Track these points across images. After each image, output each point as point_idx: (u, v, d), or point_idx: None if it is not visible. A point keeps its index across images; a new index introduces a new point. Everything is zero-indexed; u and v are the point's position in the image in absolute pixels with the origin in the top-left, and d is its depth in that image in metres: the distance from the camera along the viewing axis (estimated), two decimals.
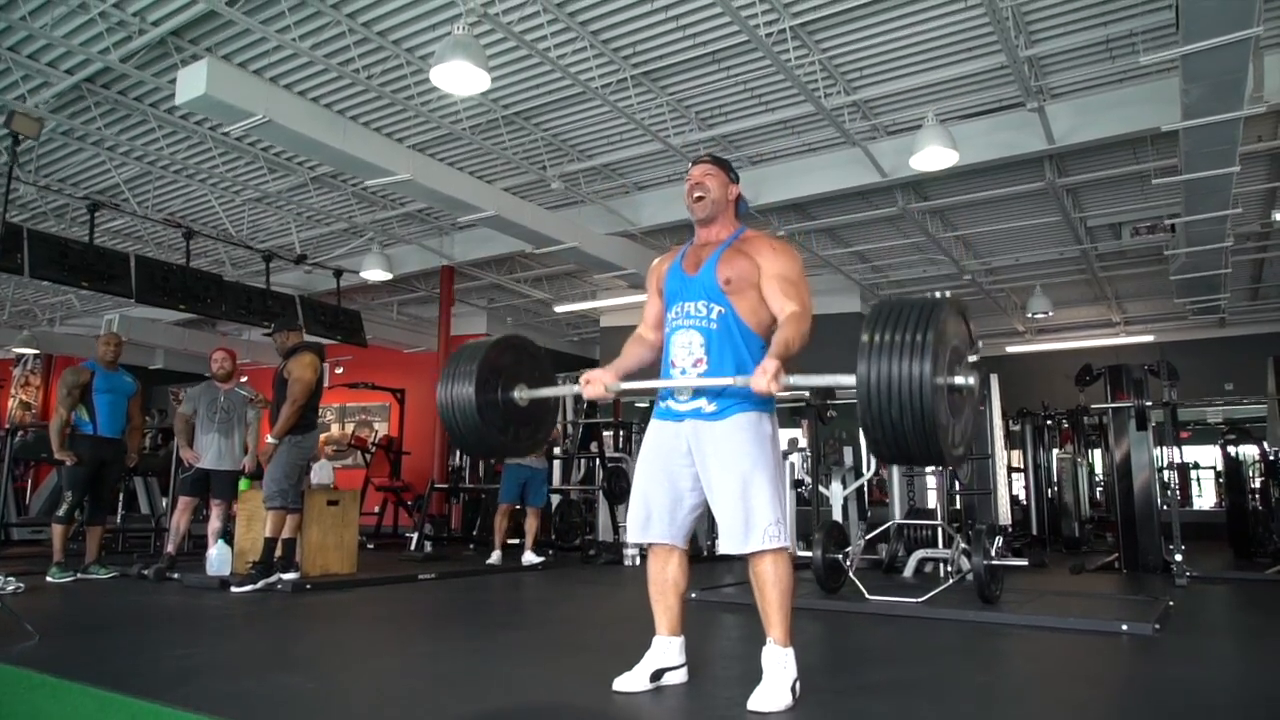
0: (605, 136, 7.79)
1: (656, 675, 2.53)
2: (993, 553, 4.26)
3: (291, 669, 2.95)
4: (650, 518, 2.54)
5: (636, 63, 6.44)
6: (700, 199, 2.61)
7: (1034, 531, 9.64)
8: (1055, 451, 10.29)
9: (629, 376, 2.71)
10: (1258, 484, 8.28)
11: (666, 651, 2.57)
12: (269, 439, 5.16)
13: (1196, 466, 13.76)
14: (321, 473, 5.86)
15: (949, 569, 4.37)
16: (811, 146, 7.92)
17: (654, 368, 2.72)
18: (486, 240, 9.88)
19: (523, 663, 3.10)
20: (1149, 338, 13.58)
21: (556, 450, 9.01)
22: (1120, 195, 9.01)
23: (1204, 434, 13.90)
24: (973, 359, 2.10)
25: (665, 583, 2.57)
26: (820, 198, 8.48)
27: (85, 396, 5.67)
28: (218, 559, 5.50)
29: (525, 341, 2.94)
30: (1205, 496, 14.18)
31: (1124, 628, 3.62)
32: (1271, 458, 7.51)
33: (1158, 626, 3.62)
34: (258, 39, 5.96)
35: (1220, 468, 11.52)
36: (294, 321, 5.67)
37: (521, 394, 2.76)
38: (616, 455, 9.09)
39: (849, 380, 2.13)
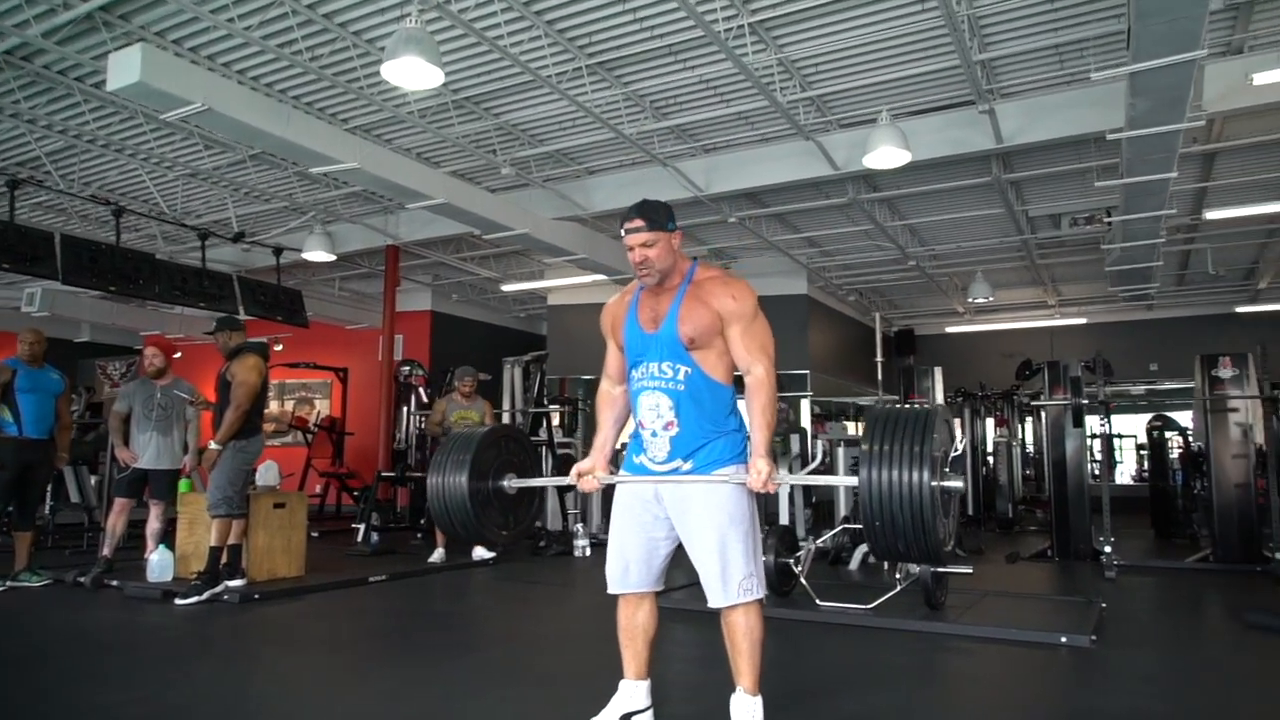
0: (559, 124, 7.65)
1: None
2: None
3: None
4: (628, 569, 2.55)
5: (592, 53, 6.32)
6: (647, 273, 2.47)
7: (969, 511, 9.97)
8: (991, 433, 10.61)
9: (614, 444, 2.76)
10: (1179, 471, 8.68)
11: (634, 695, 2.59)
12: (212, 444, 5.00)
13: (1119, 437, 14.37)
14: (267, 475, 5.72)
15: (898, 575, 4.49)
16: (766, 138, 7.91)
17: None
18: (433, 221, 9.65)
19: (488, 699, 3.10)
20: (1081, 320, 14.04)
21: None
22: (1061, 189, 9.23)
23: (1126, 406, 14.51)
24: (955, 454, 2.19)
25: (635, 629, 2.58)
26: (771, 187, 8.49)
27: (7, 396, 5.41)
28: (159, 565, 5.34)
29: (516, 432, 2.97)
30: (1126, 464, 14.85)
31: (1063, 639, 3.78)
32: (1195, 450, 7.87)
33: (1094, 638, 3.78)
34: (193, 17, 5.67)
35: (1142, 440, 12.08)
36: (236, 321, 5.47)
37: (511, 483, 2.78)
38: (565, 442, 9.07)
39: (848, 481, 2.21)
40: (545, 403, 8.70)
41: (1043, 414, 7.45)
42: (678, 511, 2.48)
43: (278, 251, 10.05)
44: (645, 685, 2.62)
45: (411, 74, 5.05)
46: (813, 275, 12.32)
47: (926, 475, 2.05)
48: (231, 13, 5.50)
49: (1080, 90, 6.74)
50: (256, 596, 4.95)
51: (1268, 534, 6.33)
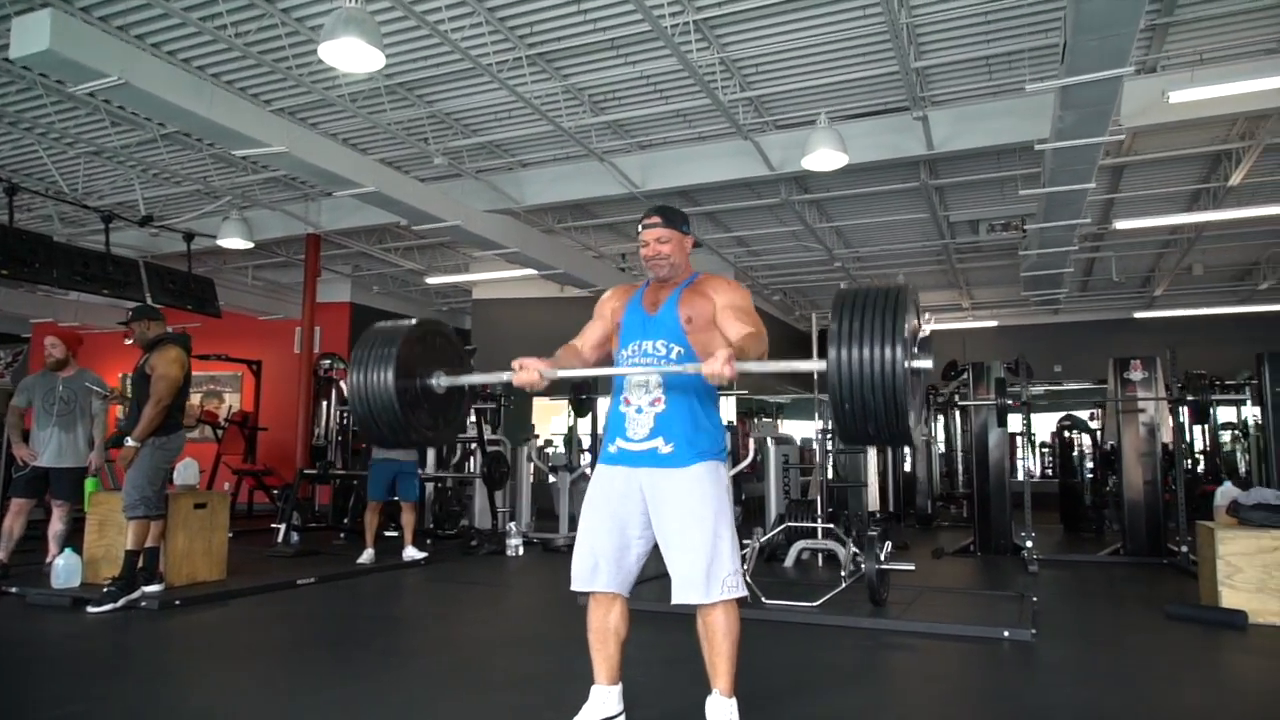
0: (494, 114, 7.48)
1: None
2: (883, 557, 4.46)
3: None
4: (597, 566, 2.49)
5: (533, 44, 6.20)
6: (658, 264, 2.58)
7: (890, 508, 10.24)
8: None
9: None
10: (1090, 471, 9.11)
11: (606, 701, 2.53)
12: (130, 441, 4.68)
13: (1023, 434, 15.00)
14: (186, 473, 5.39)
15: (843, 574, 4.56)
16: (703, 136, 7.92)
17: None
18: (357, 209, 9.32)
19: (440, 710, 2.98)
20: (993, 322, 14.60)
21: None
22: (982, 196, 9.57)
23: (1034, 406, 15.15)
24: (925, 336, 2.18)
25: (607, 631, 2.52)
26: (706, 186, 8.51)
27: None
28: (65, 569, 4.98)
29: (442, 326, 2.82)
30: (1032, 462, 15.49)
31: (1006, 634, 3.89)
32: (1106, 449, 8.26)
33: (1034, 632, 3.91)
34: None
35: (1047, 440, 12.64)
36: (155, 310, 5.14)
37: (440, 381, 2.62)
38: (495, 439, 8.91)
39: (810, 366, 2.19)
40: (482, 399, 8.50)
41: (967, 413, 7.69)
42: (657, 505, 2.44)
43: (189, 237, 9.54)
44: (617, 690, 2.56)
45: (350, 56, 4.84)
46: (740, 274, 12.43)
47: (900, 353, 1.93)
48: None
49: (1007, 101, 6.98)
50: (177, 603, 4.66)
51: (1172, 528, 6.69)
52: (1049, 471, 12.38)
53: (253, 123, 6.10)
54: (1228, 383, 10.25)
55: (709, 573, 2.37)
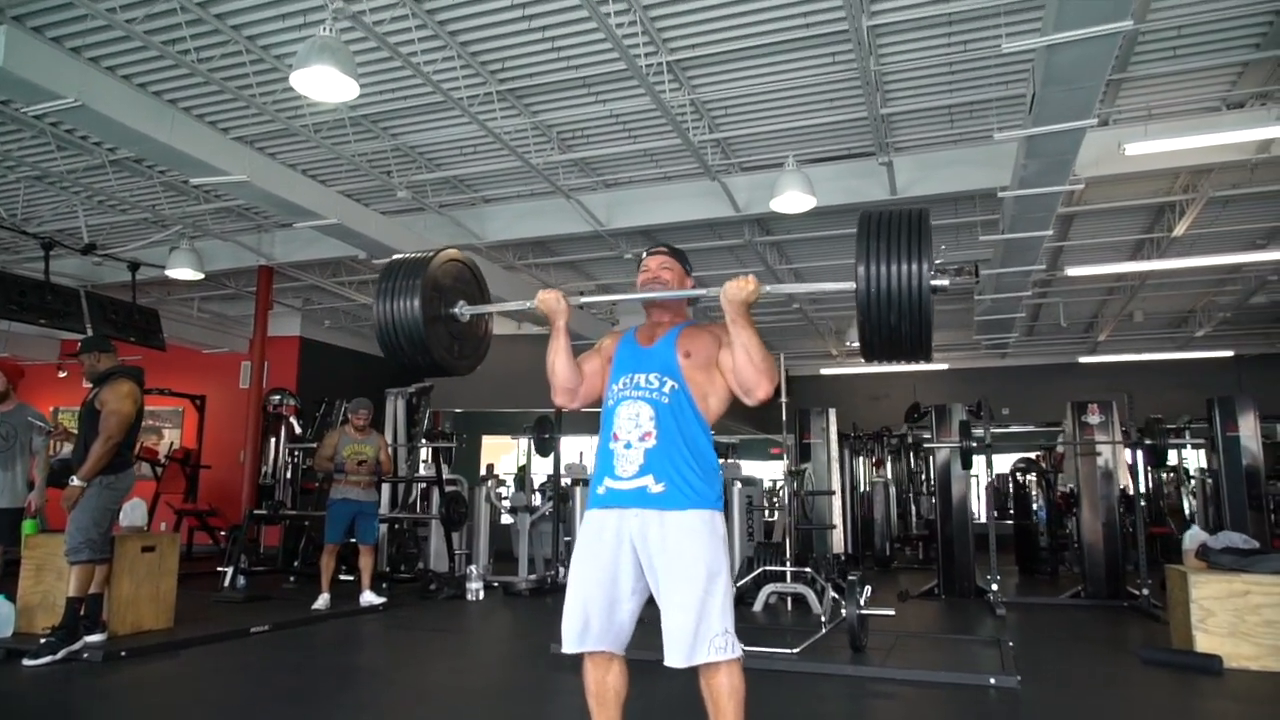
0: (459, 149, 7.41)
1: None
2: (863, 601, 4.41)
3: None
4: (588, 624, 2.33)
5: (504, 79, 6.16)
6: (656, 278, 2.58)
7: (848, 549, 10.25)
8: (869, 474, 10.98)
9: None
10: (1042, 512, 9.25)
11: None
12: (75, 481, 4.41)
13: (975, 477, 15.27)
14: (134, 513, 5.10)
15: (822, 619, 4.49)
16: (668, 176, 7.96)
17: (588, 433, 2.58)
18: (313, 241, 9.11)
19: None
20: (944, 365, 14.85)
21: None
22: (938, 241, 9.74)
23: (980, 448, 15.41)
24: (939, 260, 2.27)
25: (606, 694, 2.38)
26: (671, 226, 8.53)
27: None
28: None
29: (465, 257, 2.83)
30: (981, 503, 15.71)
31: (991, 681, 3.86)
32: (1066, 491, 8.40)
33: (1019, 679, 3.88)
34: (66, 2, 5.10)
35: (994, 482, 12.85)
36: (106, 342, 4.89)
37: (463, 309, 2.68)
38: (452, 478, 8.69)
39: (839, 286, 2.32)
40: (436, 438, 8.30)
41: (923, 455, 7.75)
42: (649, 555, 2.32)
43: (134, 267, 9.22)
44: None
45: (323, 85, 4.74)
46: (699, 314, 12.42)
47: (927, 269, 2.07)
48: (112, 1, 4.99)
49: (966, 149, 7.16)
50: (123, 654, 4.36)
51: (1130, 570, 6.79)
52: (996, 513, 12.54)
53: (214, 150, 5.93)
54: (1168, 426, 10.57)
55: (696, 633, 2.23)
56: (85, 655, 4.28)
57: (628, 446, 2.37)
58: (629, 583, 2.36)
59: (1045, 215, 6.65)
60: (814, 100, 6.50)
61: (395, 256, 2.73)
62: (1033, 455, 10.63)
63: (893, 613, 4.53)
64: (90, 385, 4.73)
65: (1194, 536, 4.71)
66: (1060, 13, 3.89)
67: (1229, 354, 13.55)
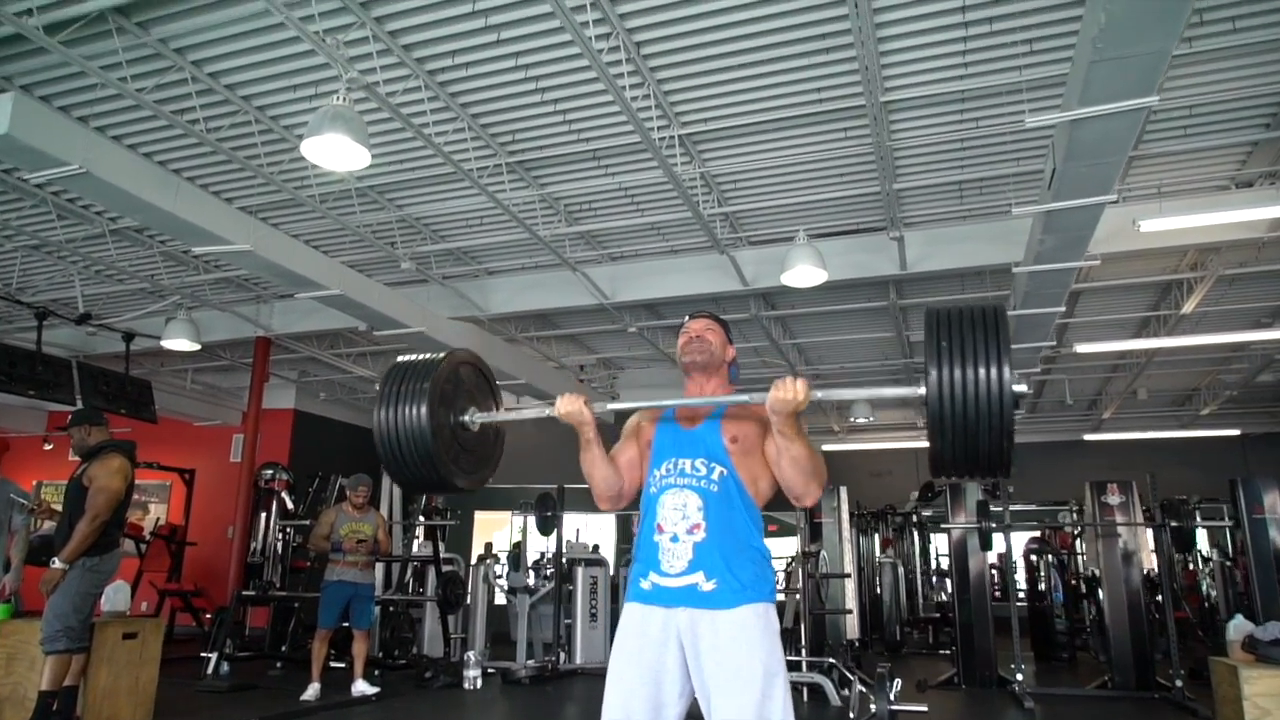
0: (465, 220, 7.36)
1: None
2: (892, 696, 4.14)
3: None
4: None
5: (514, 150, 6.14)
6: (699, 349, 2.37)
7: (857, 634, 9.88)
8: (878, 555, 10.67)
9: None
10: (1055, 594, 8.94)
11: None
12: (56, 563, 4.14)
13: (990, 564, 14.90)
14: (117, 597, 4.81)
15: (851, 715, 4.20)
16: (675, 249, 7.91)
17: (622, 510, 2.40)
18: (312, 312, 8.99)
19: None
20: None
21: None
22: None
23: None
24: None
25: None
26: (676, 300, 8.44)
27: None
28: None
29: (476, 359, 2.57)
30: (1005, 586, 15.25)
31: None
32: (1088, 574, 8.12)
33: None
34: (75, 72, 5.06)
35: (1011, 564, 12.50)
36: (97, 415, 4.68)
37: (474, 417, 2.41)
38: (449, 557, 8.37)
39: (907, 391, 2.06)
40: (432, 515, 8.02)
41: (928, 534, 7.49)
42: (698, 656, 2.11)
43: (129, 337, 9.05)
44: None
45: (335, 154, 4.66)
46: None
47: (1009, 374, 1.85)
48: (124, 71, 4.95)
49: (977, 224, 7.14)
50: None
51: (1158, 658, 6.49)
52: (999, 594, 12.18)
53: (218, 219, 5.83)
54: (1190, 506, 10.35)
55: None
56: None
57: (674, 540, 2.18)
58: (675, 685, 2.14)
59: (1059, 291, 6.58)
60: (824, 175, 6.49)
61: (400, 359, 2.47)
62: (1037, 534, 10.35)
63: (925, 709, 4.25)
64: (79, 459, 4.50)
65: (1239, 627, 4.46)
66: (1086, 87, 3.86)
67: (1235, 433, 13.41)
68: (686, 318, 2.44)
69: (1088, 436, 14.05)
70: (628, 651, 2.18)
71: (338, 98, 4.58)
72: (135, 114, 5.60)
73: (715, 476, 2.20)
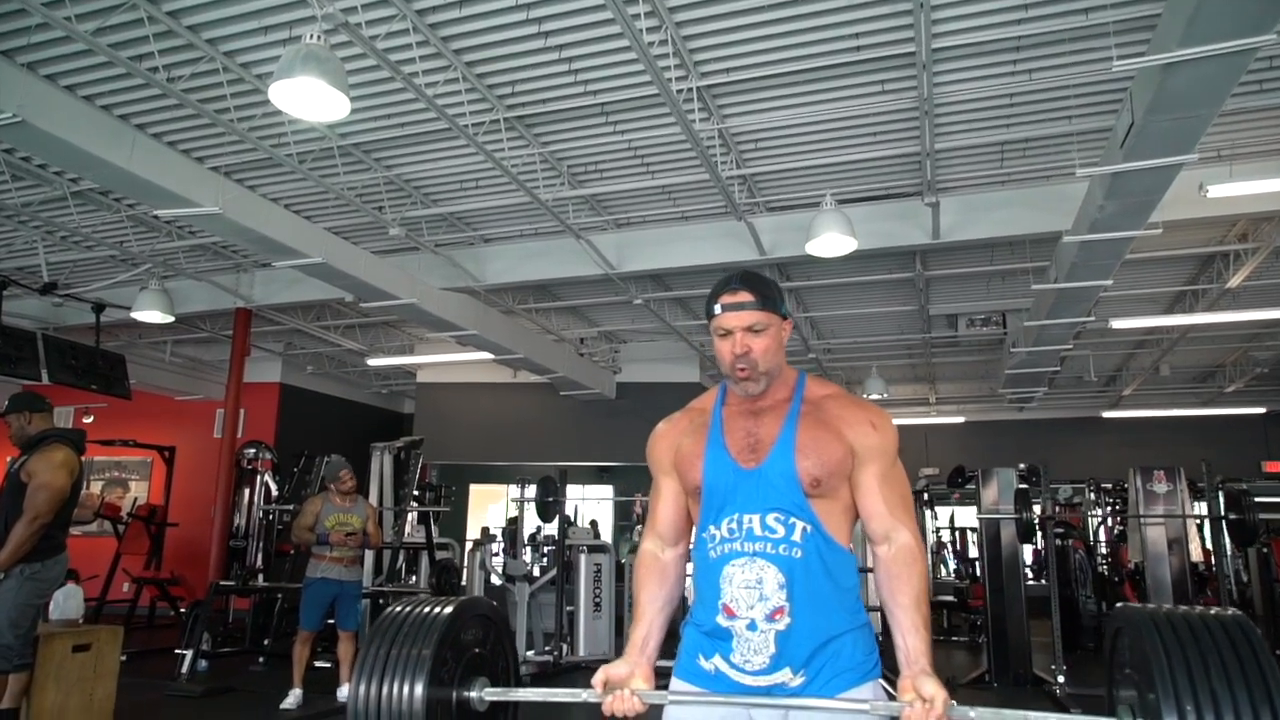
0: (459, 183, 6.75)
1: None
2: None
3: None
4: None
5: (513, 105, 5.53)
6: (747, 374, 1.69)
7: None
8: None
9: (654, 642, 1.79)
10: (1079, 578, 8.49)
11: None
12: None
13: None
14: (68, 604, 4.28)
15: None
16: (686, 215, 7.31)
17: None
18: (295, 283, 8.40)
19: None
20: (959, 419, 14.20)
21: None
22: (964, 290, 9.17)
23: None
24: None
25: None
26: (686, 270, 7.87)
27: None
28: None
29: (492, 609, 1.94)
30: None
31: None
32: (1132, 567, 7.65)
33: None
34: (15, 9, 4.42)
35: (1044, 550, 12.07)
36: (37, 400, 4.10)
37: (482, 694, 1.77)
38: (443, 542, 7.87)
39: None
40: (425, 499, 7.49)
41: (979, 525, 7.01)
42: None
43: (98, 308, 8.46)
44: None
45: (307, 101, 4.06)
46: (705, 363, 11.78)
47: None
48: (69, 9, 4.32)
49: (1017, 190, 6.57)
50: None
51: None
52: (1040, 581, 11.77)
53: (182, 179, 5.22)
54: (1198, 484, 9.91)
55: None
56: None
57: (751, 628, 1.62)
58: None
59: (1110, 263, 6.03)
60: (855, 134, 5.90)
61: (393, 609, 1.83)
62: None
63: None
64: (18, 451, 3.95)
65: None
66: (1190, 25, 3.27)
67: (1259, 411, 12.96)
68: (718, 306, 1.71)
69: (1106, 414, 13.58)
70: None
71: (311, 36, 3.97)
72: (88, 60, 4.96)
73: (798, 536, 1.63)
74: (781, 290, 1.80)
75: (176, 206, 5.29)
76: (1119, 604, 1.57)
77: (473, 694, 1.77)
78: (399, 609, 1.83)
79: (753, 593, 1.62)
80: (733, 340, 1.69)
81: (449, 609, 1.80)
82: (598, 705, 1.67)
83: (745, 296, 1.69)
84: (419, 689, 1.65)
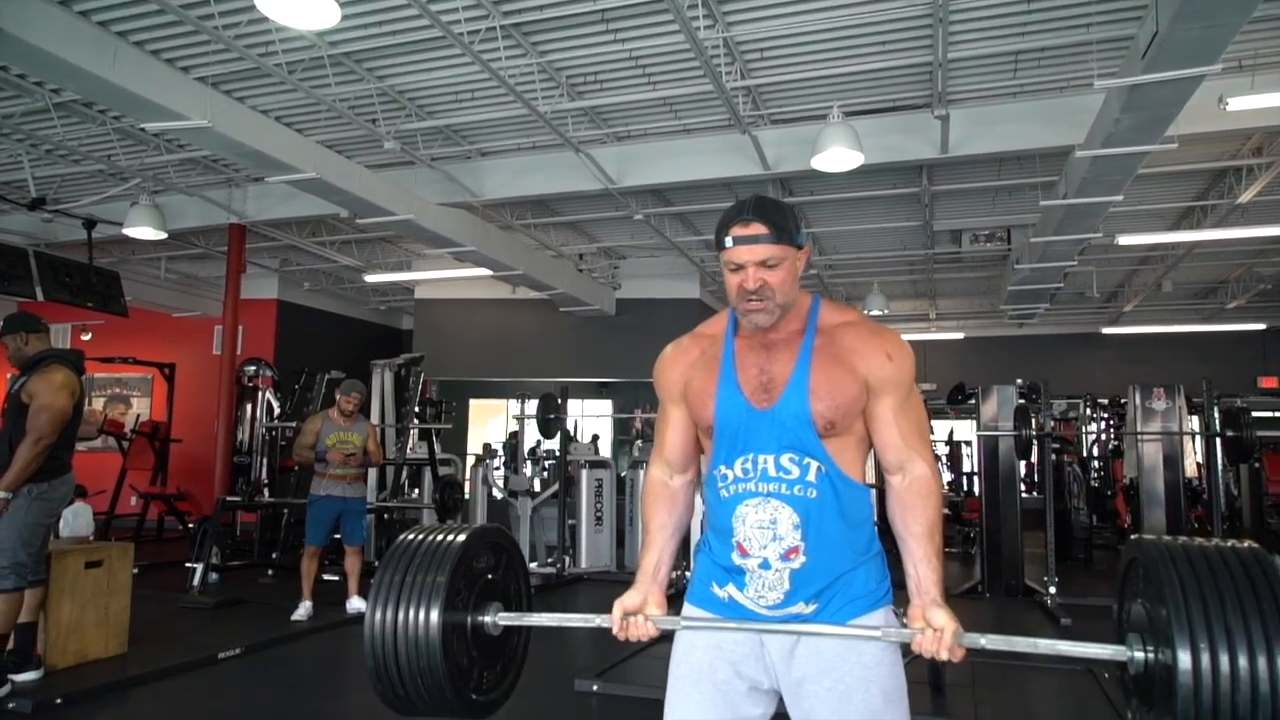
0: (454, 94, 6.53)
1: None
2: None
3: None
4: None
5: (509, 10, 5.30)
6: (759, 308, 1.61)
7: None
8: None
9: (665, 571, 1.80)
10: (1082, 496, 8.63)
11: None
12: None
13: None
14: (77, 522, 4.33)
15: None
16: (689, 129, 7.12)
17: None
18: (289, 198, 8.24)
19: None
20: (959, 334, 14.20)
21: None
22: (969, 205, 9.03)
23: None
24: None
25: None
26: (688, 184, 7.71)
27: None
28: None
29: (505, 537, 1.91)
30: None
31: None
32: (1126, 482, 7.76)
33: None
34: None
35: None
36: (34, 320, 4.05)
37: (496, 618, 1.77)
38: (445, 458, 7.95)
39: (1105, 650, 1.44)
40: (426, 415, 7.52)
41: (976, 441, 7.08)
42: (797, 683, 1.61)
43: (90, 224, 8.31)
44: None
45: (296, 6, 3.88)
46: (705, 279, 11.70)
47: None
48: None
49: (1029, 103, 6.38)
50: (59, 701, 3.61)
51: None
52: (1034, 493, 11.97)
53: (168, 90, 5.05)
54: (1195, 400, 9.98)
55: None
56: (12, 705, 3.54)
57: (765, 566, 1.60)
58: (759, 709, 1.67)
59: (1122, 179, 5.91)
60: (864, 42, 5.67)
61: (406, 536, 1.81)
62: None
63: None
64: (16, 372, 3.92)
65: None
66: None
67: (1259, 327, 12.95)
68: (729, 239, 1.59)
69: (1106, 330, 13.58)
70: (696, 673, 1.67)
71: None
72: None
73: (813, 476, 1.59)
74: (797, 218, 1.69)
75: (163, 120, 5.12)
76: (1133, 536, 1.55)
77: (487, 618, 1.78)
78: (412, 536, 1.83)
79: (766, 533, 1.60)
80: (744, 275, 1.60)
81: (462, 537, 1.79)
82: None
83: (759, 229, 1.58)
84: (434, 614, 1.66)
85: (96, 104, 6.43)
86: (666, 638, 1.72)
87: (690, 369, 1.74)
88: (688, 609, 1.74)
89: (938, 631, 1.50)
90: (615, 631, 1.67)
